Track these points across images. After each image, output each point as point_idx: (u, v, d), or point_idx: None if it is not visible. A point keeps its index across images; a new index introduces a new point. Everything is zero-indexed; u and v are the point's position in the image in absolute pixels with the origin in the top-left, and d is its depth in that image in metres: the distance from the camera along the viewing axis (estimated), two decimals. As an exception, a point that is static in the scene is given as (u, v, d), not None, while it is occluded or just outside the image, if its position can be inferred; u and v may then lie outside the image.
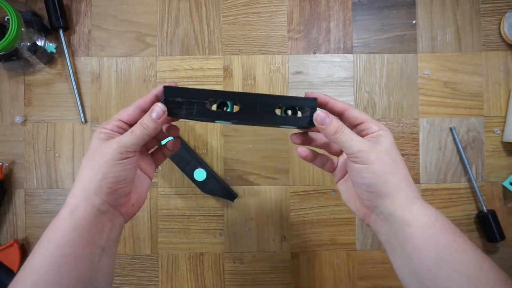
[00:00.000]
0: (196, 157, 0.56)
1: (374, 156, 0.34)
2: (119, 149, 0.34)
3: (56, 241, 0.32)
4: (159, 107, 0.35)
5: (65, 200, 0.35)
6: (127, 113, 0.36)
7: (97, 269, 0.34)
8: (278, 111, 0.36)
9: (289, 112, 0.37)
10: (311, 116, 0.36)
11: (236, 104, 0.36)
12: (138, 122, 0.35)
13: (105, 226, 0.35)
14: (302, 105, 0.37)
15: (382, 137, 0.35)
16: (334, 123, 0.35)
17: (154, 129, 0.35)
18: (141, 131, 0.35)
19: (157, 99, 0.37)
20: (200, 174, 0.56)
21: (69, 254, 0.32)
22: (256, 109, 0.36)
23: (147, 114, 0.35)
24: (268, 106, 0.36)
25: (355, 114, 0.36)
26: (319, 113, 0.36)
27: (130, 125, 0.36)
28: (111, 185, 0.34)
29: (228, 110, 0.36)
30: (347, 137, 0.35)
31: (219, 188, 0.57)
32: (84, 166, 0.35)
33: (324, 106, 0.38)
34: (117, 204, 0.36)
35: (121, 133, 0.36)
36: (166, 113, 0.35)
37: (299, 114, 0.37)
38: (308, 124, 0.37)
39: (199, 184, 0.56)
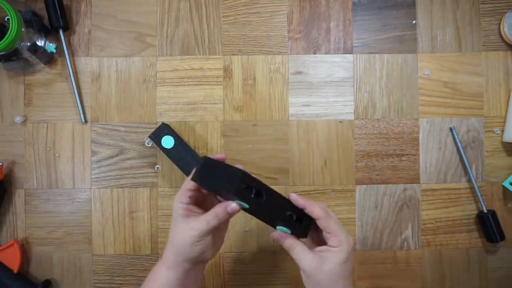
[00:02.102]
0: (196, 158, 0.56)
1: (318, 275, 0.41)
2: (198, 234, 0.41)
3: None
4: (235, 205, 0.42)
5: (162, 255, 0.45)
6: (191, 184, 0.43)
7: None
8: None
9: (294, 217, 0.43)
10: (307, 228, 0.43)
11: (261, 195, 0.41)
12: (213, 213, 0.42)
13: (191, 276, 0.44)
14: (301, 217, 0.43)
15: (332, 254, 0.41)
16: (285, 242, 0.43)
17: (226, 219, 0.43)
18: (215, 222, 0.41)
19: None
20: None
21: None
22: (271, 207, 0.42)
23: (222, 207, 0.42)
24: (281, 208, 0.43)
25: (325, 224, 0.42)
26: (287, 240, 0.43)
27: (195, 190, 0.43)
28: (196, 256, 0.42)
29: (253, 196, 0.41)
30: (297, 256, 0.42)
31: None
32: (173, 236, 0.43)
33: (303, 209, 0.43)
34: (201, 260, 0.44)
35: (193, 202, 0.43)
36: (239, 208, 0.43)
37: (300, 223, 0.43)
38: (304, 235, 0.44)
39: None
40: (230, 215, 0.42)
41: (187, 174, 0.56)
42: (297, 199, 0.43)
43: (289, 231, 0.43)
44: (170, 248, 0.43)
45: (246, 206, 0.41)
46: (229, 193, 0.40)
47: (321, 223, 0.42)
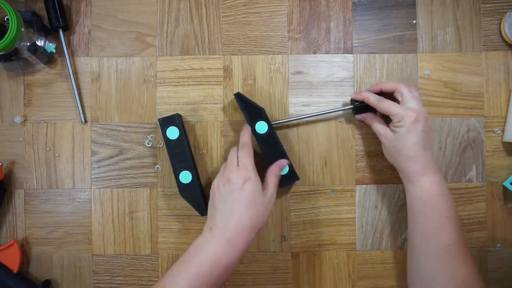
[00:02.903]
0: (190, 159, 0.56)
1: (393, 146, 0.52)
2: (273, 198, 0.49)
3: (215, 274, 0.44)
4: (285, 161, 0.54)
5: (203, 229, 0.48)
6: (250, 158, 0.50)
7: None
8: None
9: None
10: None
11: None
12: (271, 173, 0.51)
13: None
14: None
15: (397, 129, 0.51)
16: (367, 119, 0.58)
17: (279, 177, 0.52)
18: (276, 180, 0.51)
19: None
20: (186, 177, 0.55)
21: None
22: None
23: (275, 166, 0.52)
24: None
25: (380, 109, 0.53)
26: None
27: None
28: (266, 220, 0.48)
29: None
30: (375, 129, 0.56)
31: (196, 198, 0.55)
32: (251, 211, 0.46)
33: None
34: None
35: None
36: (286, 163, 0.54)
37: None
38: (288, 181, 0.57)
39: (180, 185, 0.55)
40: (280, 171, 0.52)
41: (176, 172, 0.55)
42: (355, 95, 0.56)
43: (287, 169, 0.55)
44: (242, 227, 0.45)
45: (266, 127, 0.55)
46: (259, 110, 0.55)
47: (378, 110, 0.53)
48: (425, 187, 0.49)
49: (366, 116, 0.57)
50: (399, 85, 0.52)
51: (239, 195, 0.45)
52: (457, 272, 0.46)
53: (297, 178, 0.57)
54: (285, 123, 0.59)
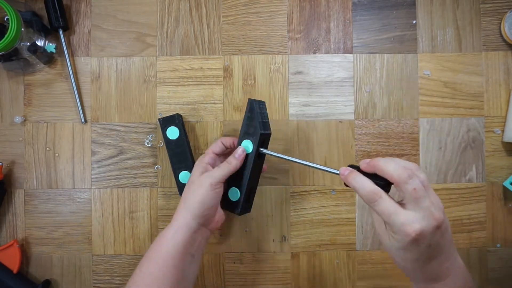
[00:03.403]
0: (190, 159, 0.56)
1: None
2: (212, 180, 0.47)
3: (162, 256, 0.45)
4: (241, 149, 0.50)
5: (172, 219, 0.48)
6: (217, 147, 0.51)
7: (188, 271, 0.47)
8: None
9: None
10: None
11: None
12: (226, 160, 0.49)
13: (196, 240, 0.47)
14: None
15: (394, 243, 0.36)
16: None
17: (236, 165, 0.49)
18: (227, 167, 0.48)
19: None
20: (185, 177, 0.56)
21: (171, 264, 0.44)
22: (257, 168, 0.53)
23: (232, 154, 0.50)
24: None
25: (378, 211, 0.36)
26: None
27: (218, 155, 0.51)
28: (206, 209, 0.47)
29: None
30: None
31: None
32: (186, 191, 0.48)
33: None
34: (206, 223, 0.48)
35: (215, 163, 0.50)
36: (245, 153, 0.50)
37: None
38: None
39: (180, 185, 0.56)
40: (238, 160, 0.49)
41: (176, 172, 0.56)
42: (366, 167, 0.38)
43: (237, 196, 0.52)
44: (181, 208, 0.47)
45: (250, 149, 0.50)
46: (256, 126, 0.50)
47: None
48: None
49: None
50: (398, 178, 0.34)
51: None
52: None
53: (237, 213, 0.52)
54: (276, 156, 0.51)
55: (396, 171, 0.34)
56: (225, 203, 0.52)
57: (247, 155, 0.50)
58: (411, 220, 0.33)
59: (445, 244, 0.35)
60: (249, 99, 0.51)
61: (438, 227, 0.34)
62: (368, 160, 0.37)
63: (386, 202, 0.34)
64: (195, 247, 0.47)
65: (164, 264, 0.44)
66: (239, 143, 0.51)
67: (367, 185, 0.36)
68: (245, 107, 0.51)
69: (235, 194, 0.52)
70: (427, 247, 0.34)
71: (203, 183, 0.47)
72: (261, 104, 0.51)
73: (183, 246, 0.45)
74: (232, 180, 0.51)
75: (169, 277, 0.44)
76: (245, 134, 0.51)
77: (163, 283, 0.44)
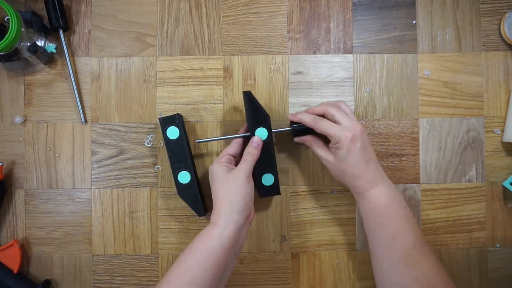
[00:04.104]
0: (189, 159, 0.55)
1: (337, 168, 0.51)
2: (245, 173, 0.48)
3: (206, 254, 0.45)
4: (257, 138, 0.52)
5: (211, 219, 0.48)
6: (232, 149, 0.53)
7: (228, 268, 0.47)
8: None
9: None
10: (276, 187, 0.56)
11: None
12: (246, 153, 0.51)
13: (241, 236, 0.47)
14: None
15: (337, 151, 0.50)
16: (307, 141, 0.55)
17: (257, 155, 0.51)
18: (251, 158, 0.50)
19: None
20: (184, 177, 0.55)
21: (215, 263, 0.44)
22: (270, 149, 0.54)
23: (249, 146, 0.51)
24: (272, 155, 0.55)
25: (317, 129, 0.51)
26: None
27: (234, 156, 0.53)
28: (248, 202, 0.48)
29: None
30: (316, 152, 0.54)
31: (194, 198, 0.55)
32: (222, 190, 0.48)
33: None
34: (248, 216, 0.48)
35: (232, 164, 0.52)
36: (262, 141, 0.52)
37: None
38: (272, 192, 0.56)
39: (179, 185, 0.55)
40: (258, 149, 0.51)
41: (175, 172, 0.55)
42: (292, 117, 0.54)
43: (272, 180, 0.55)
44: (222, 206, 0.47)
45: (266, 135, 0.53)
46: (264, 118, 0.53)
47: (315, 129, 0.51)
48: (375, 199, 0.48)
49: (305, 139, 0.54)
50: (325, 107, 0.51)
51: (210, 180, 0.51)
52: (420, 274, 0.46)
53: (279, 193, 0.55)
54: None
55: (323, 106, 0.52)
56: (261, 191, 0.55)
57: (264, 141, 0.53)
58: (345, 127, 0.48)
59: (372, 150, 0.50)
60: (245, 92, 0.54)
61: (362, 131, 0.48)
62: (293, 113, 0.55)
63: (325, 122, 0.50)
64: (239, 243, 0.48)
65: (207, 262, 0.44)
66: (253, 133, 0.53)
67: (310, 116, 0.52)
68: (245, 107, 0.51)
69: (269, 179, 0.54)
70: (361, 148, 0.48)
71: (237, 178, 0.48)
72: (250, 93, 0.54)
73: (230, 244, 0.45)
74: (255, 169, 0.52)
75: (210, 275, 0.44)
76: (255, 123, 0.53)
77: (203, 281, 0.44)
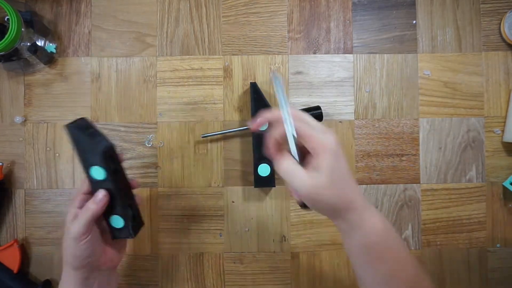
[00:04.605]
0: (123, 203, 0.44)
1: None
2: (73, 235, 0.41)
3: None
4: (101, 193, 0.42)
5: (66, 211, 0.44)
6: (85, 186, 0.43)
7: None
8: None
9: None
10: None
11: None
12: (84, 208, 0.42)
13: (95, 283, 0.44)
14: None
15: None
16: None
17: (96, 210, 0.42)
18: (87, 214, 0.41)
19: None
20: (117, 221, 0.44)
21: None
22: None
23: (90, 200, 0.42)
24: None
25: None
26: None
27: (88, 194, 0.44)
28: (82, 261, 0.42)
29: None
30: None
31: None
32: (63, 242, 0.43)
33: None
34: (96, 268, 0.44)
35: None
36: (107, 197, 0.42)
37: None
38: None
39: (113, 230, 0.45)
40: (98, 205, 0.42)
41: (85, 167, 0.43)
42: (256, 126, 0.40)
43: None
44: (63, 261, 0.43)
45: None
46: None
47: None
48: (371, 227, 0.39)
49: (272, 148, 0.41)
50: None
51: None
52: None
53: (273, 185, 0.53)
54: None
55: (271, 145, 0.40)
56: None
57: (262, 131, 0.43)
58: (327, 137, 0.38)
59: (349, 167, 0.40)
60: (252, 83, 0.56)
61: (338, 142, 0.39)
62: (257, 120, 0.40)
63: (302, 123, 0.38)
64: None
65: None
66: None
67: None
68: (245, 107, 0.51)
69: (265, 169, 0.52)
70: (344, 162, 0.39)
71: (69, 236, 0.42)
72: (256, 85, 0.56)
73: None
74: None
75: None
76: (257, 111, 0.53)
77: None
